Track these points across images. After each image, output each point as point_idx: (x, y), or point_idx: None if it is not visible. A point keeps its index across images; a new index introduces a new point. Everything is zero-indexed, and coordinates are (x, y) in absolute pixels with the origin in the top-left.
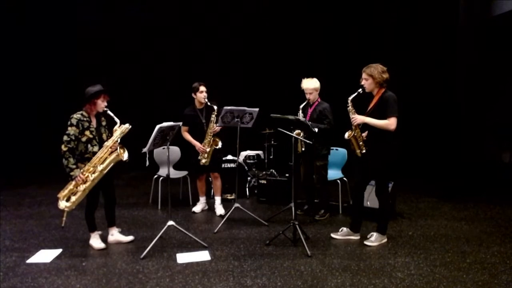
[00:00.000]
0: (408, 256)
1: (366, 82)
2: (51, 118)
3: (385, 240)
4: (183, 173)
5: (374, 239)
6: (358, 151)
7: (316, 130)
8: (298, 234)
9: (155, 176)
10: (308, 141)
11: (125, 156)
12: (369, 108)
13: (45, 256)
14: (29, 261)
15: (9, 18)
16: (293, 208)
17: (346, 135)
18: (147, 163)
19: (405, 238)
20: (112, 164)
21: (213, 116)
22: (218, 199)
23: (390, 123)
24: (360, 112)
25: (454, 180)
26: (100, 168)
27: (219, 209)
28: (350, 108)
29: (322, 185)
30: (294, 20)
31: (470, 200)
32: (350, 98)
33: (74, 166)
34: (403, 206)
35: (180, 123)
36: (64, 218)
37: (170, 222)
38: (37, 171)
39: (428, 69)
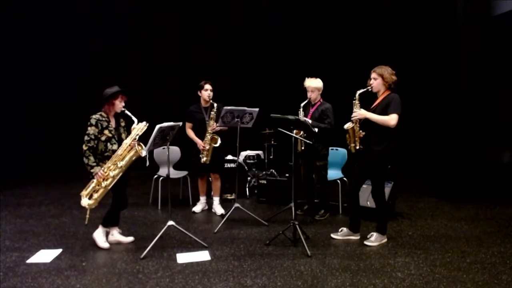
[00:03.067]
0: (408, 256)
1: (375, 82)
2: (52, 118)
3: (385, 240)
4: (183, 173)
5: (374, 239)
6: (352, 145)
7: (316, 130)
8: (298, 234)
9: (155, 176)
10: (308, 141)
11: (144, 152)
12: (372, 107)
13: (45, 256)
14: (29, 261)
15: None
16: (293, 208)
17: (346, 125)
18: (147, 163)
19: (405, 238)
20: (131, 161)
21: (212, 113)
22: (216, 200)
23: (391, 118)
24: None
25: (454, 180)
26: (120, 165)
27: (218, 209)
28: (356, 101)
29: (322, 185)
30: (294, 20)
31: (470, 200)
32: (359, 92)
33: (94, 164)
34: (403, 206)
35: (180, 123)
36: (87, 216)
37: (170, 222)
38: (37, 171)
39: (428, 69)
